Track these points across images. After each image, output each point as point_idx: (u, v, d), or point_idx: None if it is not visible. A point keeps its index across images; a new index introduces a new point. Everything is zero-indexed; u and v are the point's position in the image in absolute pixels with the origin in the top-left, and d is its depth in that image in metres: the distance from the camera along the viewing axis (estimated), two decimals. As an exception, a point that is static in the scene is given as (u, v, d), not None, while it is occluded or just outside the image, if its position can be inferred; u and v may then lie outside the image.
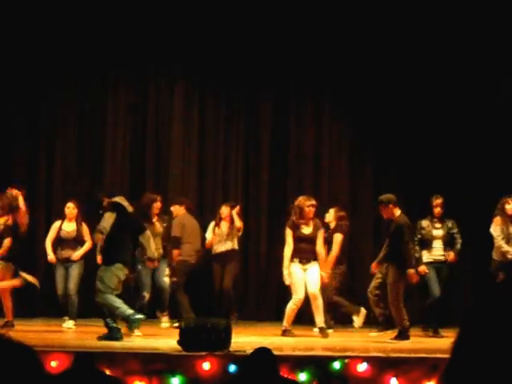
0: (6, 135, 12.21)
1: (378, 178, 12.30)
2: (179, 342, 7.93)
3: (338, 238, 10.48)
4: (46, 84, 12.21)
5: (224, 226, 11.03)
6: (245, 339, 8.91)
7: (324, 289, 9.93)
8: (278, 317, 11.83)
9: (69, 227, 10.69)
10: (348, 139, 12.43)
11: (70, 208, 10.66)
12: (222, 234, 11.02)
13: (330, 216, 10.65)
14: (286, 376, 6.72)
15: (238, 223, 11.01)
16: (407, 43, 11.99)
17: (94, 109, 12.44)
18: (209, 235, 11.13)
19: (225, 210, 11.08)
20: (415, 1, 11.91)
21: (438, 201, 10.42)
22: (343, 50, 12.16)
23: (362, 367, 7.48)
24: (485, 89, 11.87)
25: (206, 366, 7.37)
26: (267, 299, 12.11)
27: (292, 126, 12.44)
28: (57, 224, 10.77)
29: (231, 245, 11.05)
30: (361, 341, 9.34)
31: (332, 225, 10.61)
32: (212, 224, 11.12)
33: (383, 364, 7.53)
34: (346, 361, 7.50)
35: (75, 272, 10.53)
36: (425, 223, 10.44)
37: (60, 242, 10.59)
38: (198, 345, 7.78)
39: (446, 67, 11.96)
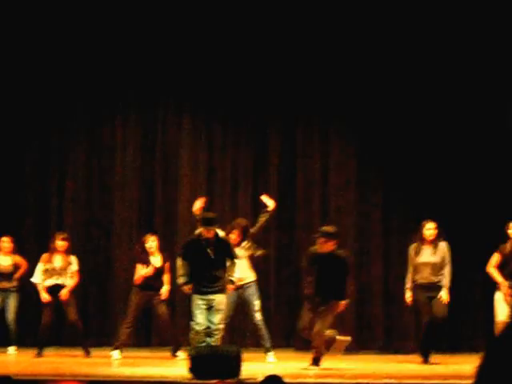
0: (18, 176, 12.33)
1: (387, 203, 12.27)
2: (190, 370, 7.90)
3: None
4: (57, 121, 12.37)
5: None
6: (255, 366, 8.87)
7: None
8: (288, 343, 11.81)
9: (5, 261, 11.17)
10: (355, 165, 12.40)
11: (5, 242, 11.15)
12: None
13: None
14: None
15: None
16: (414, 68, 11.98)
17: (104, 146, 12.51)
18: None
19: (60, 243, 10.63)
20: (418, 23, 11.89)
21: None
22: (349, 76, 12.15)
23: (374, 394, 7.46)
24: (493, 113, 11.87)
25: (217, 393, 7.36)
26: (279, 325, 12.04)
27: (299, 152, 12.43)
28: None
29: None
30: (373, 367, 9.30)
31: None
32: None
33: (395, 391, 7.50)
34: (358, 388, 7.47)
35: (13, 302, 11.06)
36: None
37: None
38: (208, 372, 7.74)
39: (456, 92, 11.95)
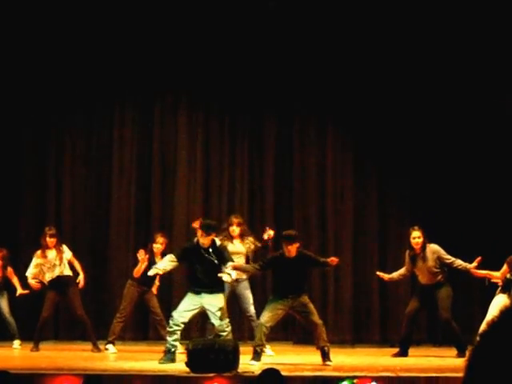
0: (16, 176, 12.30)
1: (383, 198, 12.29)
2: (187, 364, 7.91)
3: None
4: (54, 120, 12.37)
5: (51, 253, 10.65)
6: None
7: None
8: (286, 337, 11.84)
9: None
10: (351, 162, 12.40)
11: None
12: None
13: None
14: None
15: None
16: (410, 65, 12.00)
17: (101, 143, 12.50)
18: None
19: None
20: (415, 24, 11.92)
21: None
22: (346, 73, 12.17)
23: (371, 387, 7.47)
24: (490, 107, 11.89)
25: (215, 387, 7.37)
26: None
27: (296, 149, 12.41)
28: None
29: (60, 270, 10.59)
30: (369, 360, 9.33)
31: None
32: None
33: (392, 383, 7.51)
34: (355, 381, 7.44)
35: (4, 301, 11.06)
36: None
37: None
38: (205, 366, 7.75)
39: (451, 88, 11.96)
